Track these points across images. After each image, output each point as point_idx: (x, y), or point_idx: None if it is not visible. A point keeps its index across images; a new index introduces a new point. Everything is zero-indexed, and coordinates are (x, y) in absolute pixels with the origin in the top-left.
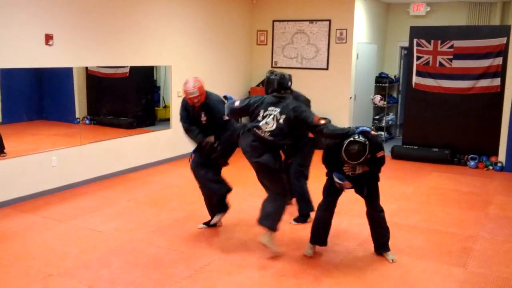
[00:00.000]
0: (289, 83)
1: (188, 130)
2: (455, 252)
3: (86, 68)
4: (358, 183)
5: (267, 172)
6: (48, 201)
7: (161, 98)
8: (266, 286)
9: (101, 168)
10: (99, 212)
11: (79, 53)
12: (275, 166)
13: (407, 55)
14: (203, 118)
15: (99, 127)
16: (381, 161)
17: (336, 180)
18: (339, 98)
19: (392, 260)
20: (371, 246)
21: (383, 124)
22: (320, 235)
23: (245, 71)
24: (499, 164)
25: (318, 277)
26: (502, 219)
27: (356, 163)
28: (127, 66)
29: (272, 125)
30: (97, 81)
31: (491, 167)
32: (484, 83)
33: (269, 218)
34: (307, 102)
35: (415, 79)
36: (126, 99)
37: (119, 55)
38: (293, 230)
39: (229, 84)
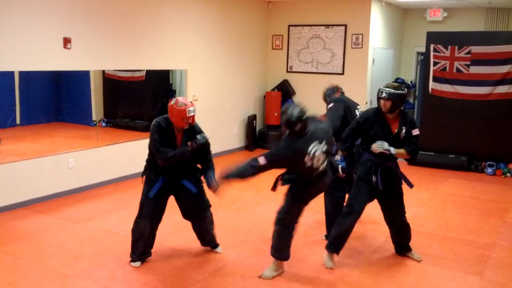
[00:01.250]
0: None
1: (171, 155)
2: (471, 260)
3: (103, 71)
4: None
5: None
6: (64, 202)
7: None
8: None
9: (117, 170)
10: (114, 213)
11: (96, 56)
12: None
13: (423, 61)
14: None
15: (115, 129)
16: (417, 142)
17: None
18: None
19: (418, 259)
20: (385, 251)
21: None
22: (342, 244)
23: (260, 76)
24: None
25: (332, 283)
26: None
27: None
28: (144, 70)
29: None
30: (113, 84)
31: (509, 174)
32: (502, 89)
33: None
34: None
35: (431, 84)
36: (142, 103)
37: (135, 59)
38: (307, 235)
39: (244, 89)
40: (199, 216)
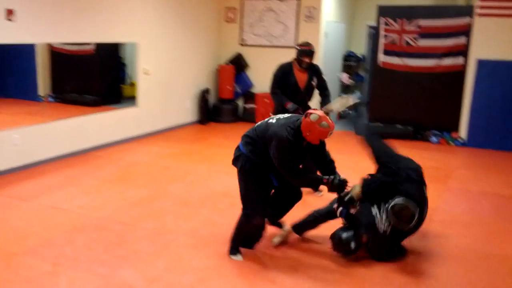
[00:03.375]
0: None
1: (304, 179)
2: None
3: (50, 45)
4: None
5: None
6: (9, 180)
7: (127, 76)
8: (232, 259)
9: (66, 146)
10: (63, 190)
11: (43, 29)
12: None
13: (374, 34)
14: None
15: (63, 105)
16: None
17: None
18: None
19: None
20: None
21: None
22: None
23: (213, 49)
24: (460, 140)
25: (282, 249)
26: (462, 192)
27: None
28: (93, 43)
29: None
30: (61, 58)
31: (452, 143)
32: (448, 62)
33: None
34: None
35: (382, 57)
36: (91, 77)
37: (83, 32)
38: None
39: (196, 62)
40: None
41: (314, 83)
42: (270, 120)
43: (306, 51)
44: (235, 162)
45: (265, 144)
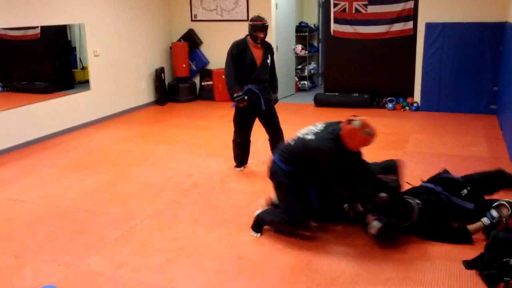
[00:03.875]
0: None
1: (360, 193)
2: None
3: None
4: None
5: None
6: None
7: (78, 60)
8: (198, 238)
9: (18, 136)
10: (20, 181)
11: None
12: None
13: (324, 3)
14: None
15: (12, 93)
16: None
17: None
18: None
19: None
20: None
21: (306, 74)
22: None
23: (164, 26)
24: (414, 105)
25: (248, 225)
26: (418, 155)
27: None
28: (37, 27)
29: None
30: (5, 45)
31: (407, 108)
32: (397, 27)
33: None
34: None
35: (333, 26)
36: (39, 62)
37: (27, 15)
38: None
39: (148, 41)
40: None
41: (269, 61)
42: (307, 136)
43: (259, 26)
44: (273, 177)
45: (305, 161)
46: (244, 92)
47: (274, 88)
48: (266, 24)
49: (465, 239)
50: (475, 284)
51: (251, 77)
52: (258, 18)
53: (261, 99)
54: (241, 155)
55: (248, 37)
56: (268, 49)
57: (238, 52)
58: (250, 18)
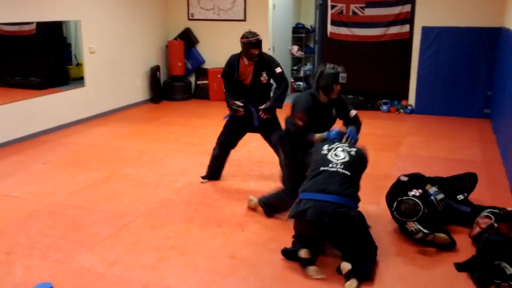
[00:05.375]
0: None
1: None
2: (369, 191)
3: None
4: None
5: None
6: None
7: (73, 56)
8: (191, 237)
9: (11, 131)
10: (12, 177)
11: None
12: None
13: (322, 5)
14: None
15: (6, 89)
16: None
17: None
18: None
19: None
20: None
21: (301, 75)
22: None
23: (161, 24)
24: (409, 107)
25: (242, 224)
26: (412, 158)
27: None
28: (33, 23)
29: None
30: (0, 40)
31: (402, 110)
32: (394, 30)
33: None
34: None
35: (330, 28)
36: (34, 58)
37: (23, 10)
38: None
39: (145, 39)
40: None
41: (263, 78)
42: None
43: (253, 43)
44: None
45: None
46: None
47: (277, 100)
48: (259, 39)
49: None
50: (467, 287)
51: (243, 96)
52: (250, 34)
53: (253, 113)
54: (215, 167)
55: (242, 54)
56: (262, 65)
57: (229, 69)
58: (241, 35)
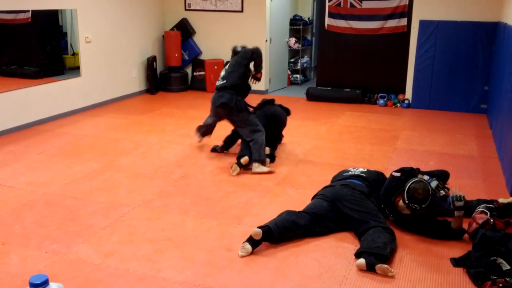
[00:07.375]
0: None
1: None
2: None
3: None
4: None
5: None
6: None
7: (69, 45)
8: (187, 229)
9: (6, 121)
10: (7, 167)
11: None
12: None
13: None
14: None
15: (1, 78)
16: None
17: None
18: (255, 41)
19: None
20: None
21: (299, 67)
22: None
23: (157, 15)
24: (406, 101)
25: (238, 217)
26: (408, 152)
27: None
28: (29, 11)
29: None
30: None
31: (398, 104)
32: (392, 23)
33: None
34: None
35: (327, 20)
36: (30, 47)
37: None
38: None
39: (141, 29)
40: None
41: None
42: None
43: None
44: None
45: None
46: None
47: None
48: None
49: (454, 235)
50: (462, 282)
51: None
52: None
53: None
54: (205, 129)
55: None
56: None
57: None
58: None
